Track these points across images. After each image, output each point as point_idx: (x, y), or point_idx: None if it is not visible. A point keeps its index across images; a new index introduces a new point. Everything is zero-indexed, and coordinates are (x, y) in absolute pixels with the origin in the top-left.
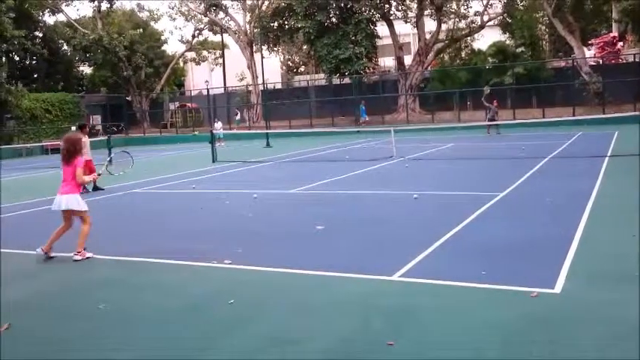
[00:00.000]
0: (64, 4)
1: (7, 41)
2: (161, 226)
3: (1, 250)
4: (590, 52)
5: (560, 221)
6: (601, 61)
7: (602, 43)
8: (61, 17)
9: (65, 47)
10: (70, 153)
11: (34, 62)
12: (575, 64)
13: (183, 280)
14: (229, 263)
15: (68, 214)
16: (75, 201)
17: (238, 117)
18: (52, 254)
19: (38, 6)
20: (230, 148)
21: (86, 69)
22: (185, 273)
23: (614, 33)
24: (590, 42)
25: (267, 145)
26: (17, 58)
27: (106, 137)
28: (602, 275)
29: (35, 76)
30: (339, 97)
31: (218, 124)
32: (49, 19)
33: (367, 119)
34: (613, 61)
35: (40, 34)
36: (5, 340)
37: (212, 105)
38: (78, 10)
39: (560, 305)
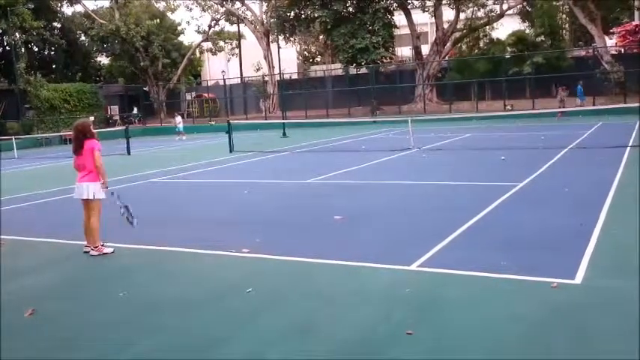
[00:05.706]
0: None
1: (27, 32)
2: (178, 215)
3: (27, 239)
4: (611, 41)
5: (580, 211)
6: (623, 50)
7: (623, 32)
8: (78, 8)
9: (83, 38)
10: (79, 140)
11: (52, 53)
12: (596, 53)
13: (202, 268)
14: (247, 252)
15: (86, 203)
16: (98, 189)
17: (135, 111)
18: (105, 249)
19: None
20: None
21: (104, 59)
22: (203, 262)
23: (637, 21)
24: (611, 30)
25: (284, 135)
26: (36, 49)
27: (123, 127)
28: (622, 266)
29: (54, 66)
30: (356, 87)
31: (178, 119)
32: (67, 9)
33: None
34: (635, 50)
35: (59, 25)
36: (30, 326)
37: (228, 95)
38: (95, 0)
39: (580, 296)
